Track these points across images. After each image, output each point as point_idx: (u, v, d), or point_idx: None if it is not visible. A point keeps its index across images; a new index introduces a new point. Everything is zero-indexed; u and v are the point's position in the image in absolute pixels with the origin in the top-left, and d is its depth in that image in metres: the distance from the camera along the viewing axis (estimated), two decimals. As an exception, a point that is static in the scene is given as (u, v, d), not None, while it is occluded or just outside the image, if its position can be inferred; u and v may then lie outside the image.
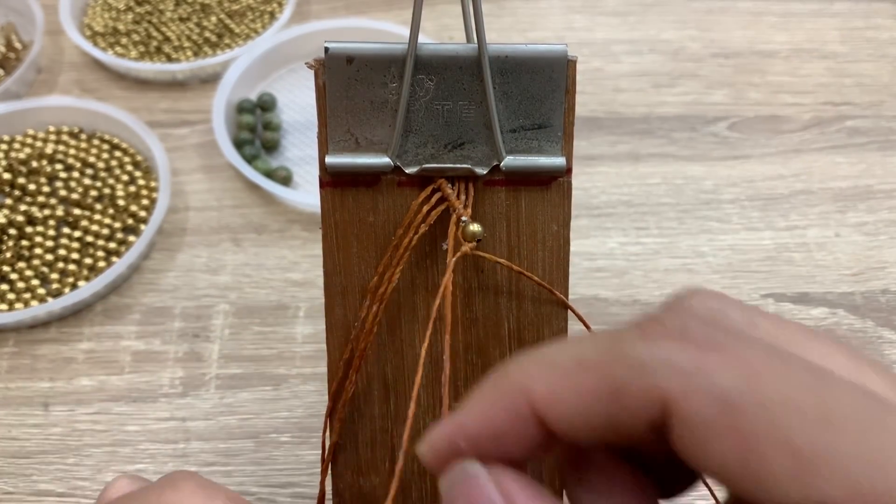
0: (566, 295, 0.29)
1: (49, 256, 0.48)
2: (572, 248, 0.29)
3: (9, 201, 0.51)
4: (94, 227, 0.50)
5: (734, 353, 0.17)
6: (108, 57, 0.59)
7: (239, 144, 0.54)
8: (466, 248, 0.26)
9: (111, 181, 0.52)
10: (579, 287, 0.48)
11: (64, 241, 0.49)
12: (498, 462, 0.19)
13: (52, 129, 0.55)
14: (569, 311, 0.30)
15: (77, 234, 0.49)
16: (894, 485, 0.14)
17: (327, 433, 0.30)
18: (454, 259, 0.26)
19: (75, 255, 0.49)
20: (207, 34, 0.61)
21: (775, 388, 0.16)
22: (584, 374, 0.18)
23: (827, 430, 0.15)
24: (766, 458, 0.15)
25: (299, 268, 0.49)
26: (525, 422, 0.19)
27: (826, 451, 0.15)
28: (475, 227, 0.27)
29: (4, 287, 0.47)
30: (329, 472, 0.31)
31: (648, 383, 0.17)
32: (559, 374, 0.18)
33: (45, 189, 0.52)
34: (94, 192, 0.52)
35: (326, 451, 0.30)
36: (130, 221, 0.50)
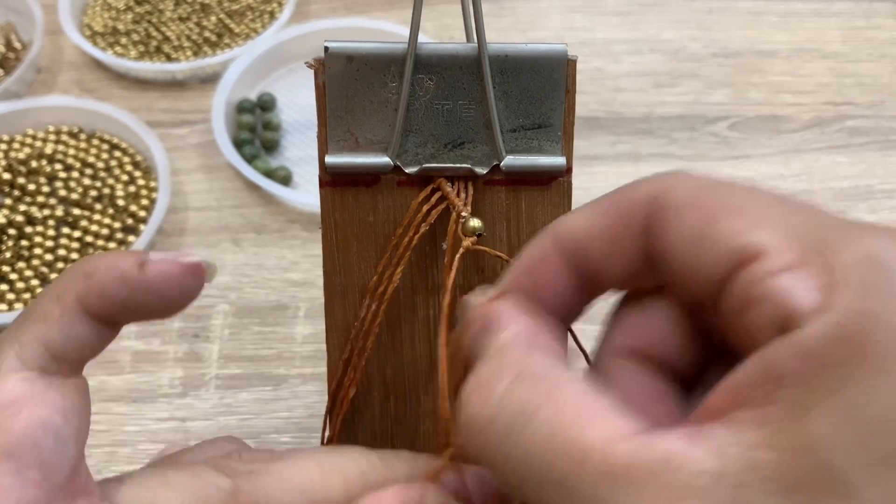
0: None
1: (49, 256, 0.48)
2: (572, 248, 0.29)
3: (8, 201, 0.51)
4: (94, 227, 0.50)
5: (706, 176, 0.21)
6: (107, 57, 0.59)
7: (239, 144, 0.54)
8: (467, 242, 0.26)
9: (111, 181, 0.52)
10: (579, 287, 0.48)
11: (64, 241, 0.49)
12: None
13: (51, 128, 0.55)
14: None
15: (77, 234, 0.49)
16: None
17: (326, 432, 0.30)
18: (457, 256, 0.26)
19: (75, 255, 0.48)
20: (207, 34, 0.61)
21: (732, 185, 0.20)
22: (611, 209, 0.22)
23: (772, 204, 0.19)
24: (720, 221, 0.19)
25: (299, 268, 0.49)
26: (566, 268, 0.22)
27: (767, 212, 0.19)
28: (475, 223, 0.27)
29: (4, 287, 0.47)
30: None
31: (641, 192, 0.21)
32: (592, 215, 0.22)
33: (45, 189, 0.52)
34: (93, 192, 0.51)
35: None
36: (130, 221, 0.50)
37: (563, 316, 0.23)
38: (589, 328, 0.25)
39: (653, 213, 0.20)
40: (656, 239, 0.20)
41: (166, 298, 0.24)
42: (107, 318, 0.24)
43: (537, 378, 0.19)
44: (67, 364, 0.24)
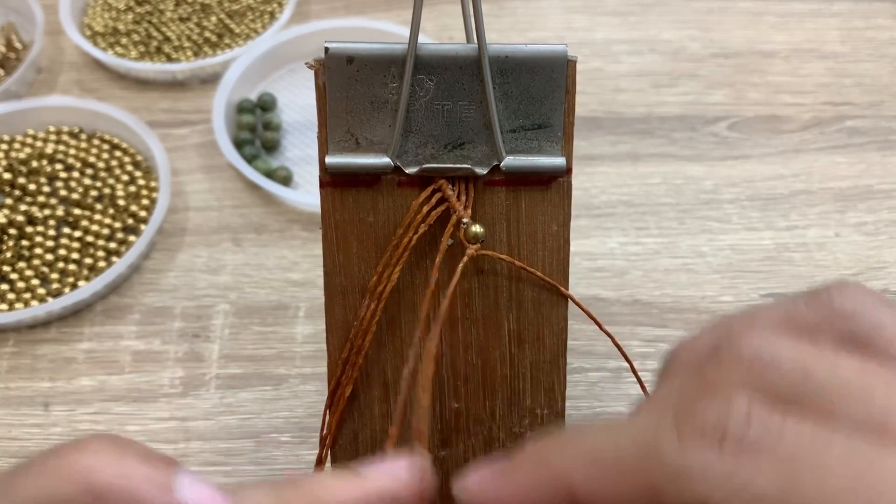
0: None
1: (49, 256, 0.48)
2: (572, 248, 0.29)
3: (9, 201, 0.51)
4: (94, 227, 0.50)
5: (772, 457, 0.17)
6: (108, 57, 0.59)
7: (239, 144, 0.54)
8: (472, 250, 0.26)
9: (111, 181, 0.52)
10: (579, 287, 0.48)
11: (64, 241, 0.49)
12: None
13: (52, 129, 0.55)
14: (568, 312, 0.30)
15: (77, 234, 0.49)
16: None
17: (324, 430, 0.30)
18: (460, 265, 0.26)
19: (75, 255, 0.49)
20: (207, 34, 0.61)
21: (811, 492, 0.16)
22: (624, 474, 0.18)
23: None
24: None
25: (299, 268, 0.49)
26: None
27: None
28: (477, 229, 0.27)
29: (4, 287, 0.47)
30: (329, 470, 0.31)
31: (686, 491, 0.17)
32: (599, 469, 0.19)
33: (45, 189, 0.52)
34: (94, 192, 0.52)
35: (322, 447, 0.30)
36: (130, 221, 0.50)
37: None
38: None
39: None
40: None
41: None
42: None
43: None
44: None
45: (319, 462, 0.31)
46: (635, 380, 0.34)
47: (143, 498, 0.19)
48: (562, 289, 0.29)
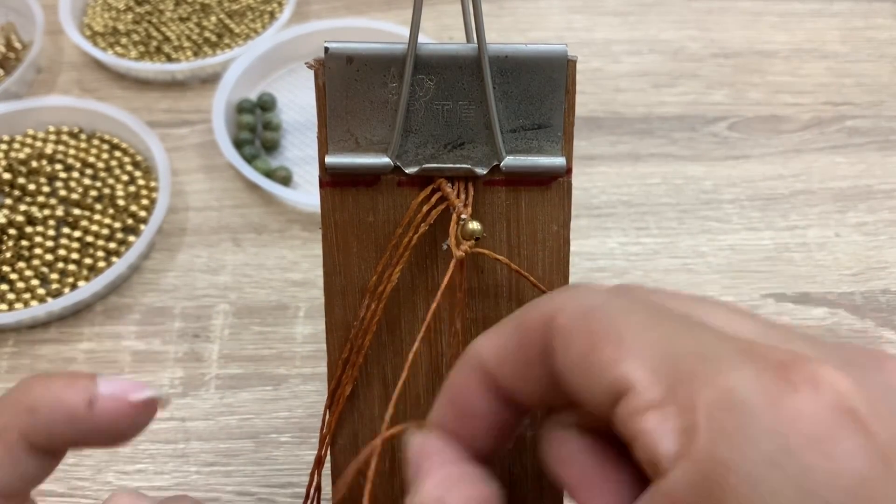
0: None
1: (49, 256, 0.48)
2: (572, 248, 0.29)
3: (9, 201, 0.51)
4: (94, 227, 0.50)
5: (605, 289, 0.21)
6: (107, 57, 0.59)
7: (239, 144, 0.54)
8: (466, 246, 0.26)
9: (111, 181, 0.52)
10: (579, 287, 0.48)
11: (64, 241, 0.49)
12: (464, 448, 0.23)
13: (51, 129, 0.55)
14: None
15: (77, 234, 0.49)
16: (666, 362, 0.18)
17: (324, 430, 0.30)
18: (452, 262, 0.26)
19: (75, 255, 0.49)
20: (207, 34, 0.61)
21: (621, 301, 0.20)
22: (515, 331, 0.22)
23: (652, 328, 0.19)
24: (597, 348, 0.19)
25: (299, 268, 0.49)
26: (485, 392, 0.22)
27: (643, 341, 0.18)
28: (474, 225, 0.27)
29: (4, 287, 0.47)
30: (329, 471, 0.31)
31: (541, 311, 0.21)
32: (501, 337, 0.22)
33: (45, 189, 0.52)
34: (93, 192, 0.52)
35: (322, 446, 0.30)
36: (130, 221, 0.50)
37: (498, 437, 0.23)
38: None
39: (547, 336, 0.20)
40: (552, 363, 0.20)
41: (114, 433, 0.24)
42: (51, 452, 0.24)
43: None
44: (15, 499, 0.24)
45: (319, 462, 0.31)
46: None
47: (68, 399, 0.23)
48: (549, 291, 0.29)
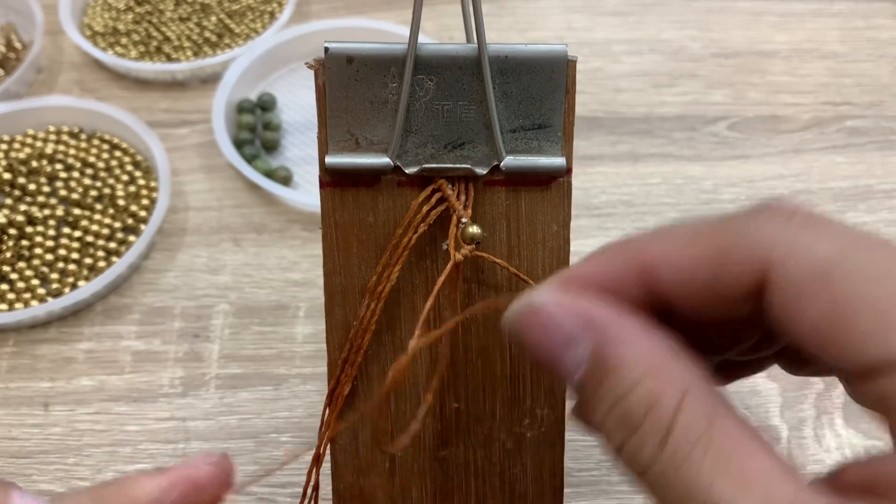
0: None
1: (49, 256, 0.48)
2: (572, 248, 0.29)
3: (9, 201, 0.51)
4: (94, 227, 0.50)
5: (831, 230, 0.19)
6: (108, 57, 0.59)
7: (239, 144, 0.54)
8: (466, 250, 0.26)
9: (111, 181, 0.52)
10: (579, 287, 0.48)
11: (64, 241, 0.49)
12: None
13: (52, 129, 0.55)
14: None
15: (77, 234, 0.49)
16: None
17: (323, 429, 0.30)
18: (449, 265, 0.26)
19: (75, 255, 0.49)
20: (207, 34, 0.61)
21: (865, 258, 0.18)
22: (696, 241, 0.20)
23: None
24: (852, 317, 0.17)
25: (299, 268, 0.49)
26: (635, 277, 0.20)
27: None
28: (474, 230, 0.27)
29: (4, 287, 0.47)
30: (328, 470, 0.31)
31: (753, 250, 0.19)
32: (674, 240, 0.20)
33: (45, 189, 0.52)
34: (94, 192, 0.52)
35: (320, 444, 0.30)
36: (130, 221, 0.50)
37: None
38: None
39: (762, 281, 0.18)
40: (770, 312, 0.18)
41: None
42: None
43: (703, 399, 0.18)
44: None
45: (317, 460, 0.31)
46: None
47: None
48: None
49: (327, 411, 0.30)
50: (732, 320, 0.20)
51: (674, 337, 0.19)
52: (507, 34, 0.63)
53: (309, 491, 0.31)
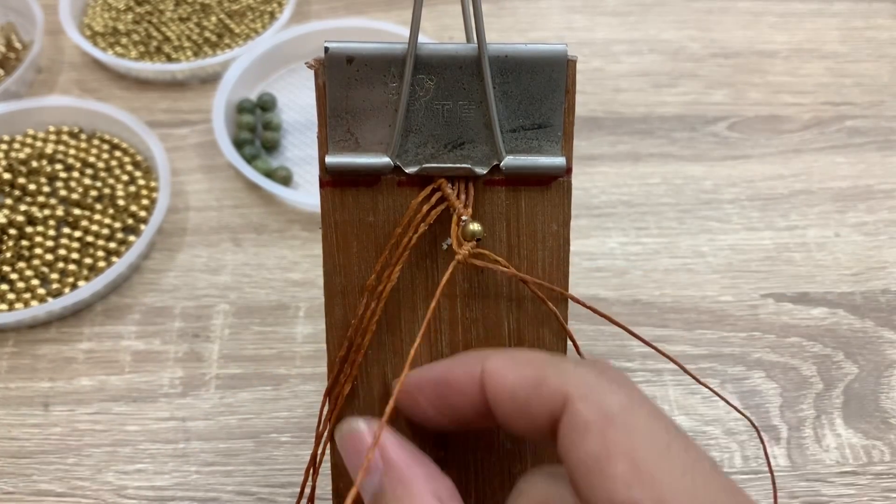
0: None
1: (49, 256, 0.48)
2: (572, 248, 0.29)
3: (9, 201, 0.51)
4: (94, 227, 0.50)
5: (626, 389, 0.22)
6: (108, 57, 0.59)
7: (239, 144, 0.54)
8: (468, 247, 0.26)
9: (111, 181, 0.52)
10: (579, 287, 0.48)
11: (64, 241, 0.49)
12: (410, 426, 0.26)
13: (52, 129, 0.55)
14: (568, 312, 0.30)
15: (77, 234, 0.49)
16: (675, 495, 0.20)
17: (321, 428, 0.30)
18: (451, 265, 0.26)
19: (75, 255, 0.49)
20: (207, 34, 0.61)
21: (639, 421, 0.21)
22: (524, 366, 0.24)
23: (662, 459, 0.20)
24: (612, 460, 0.20)
25: (299, 268, 0.49)
26: (472, 384, 0.25)
27: (654, 471, 0.20)
28: (475, 227, 0.27)
29: (4, 287, 0.47)
30: (329, 471, 0.31)
31: (561, 382, 0.22)
32: (509, 360, 0.25)
33: (45, 189, 0.52)
34: (94, 192, 0.52)
35: (318, 443, 0.30)
36: (130, 221, 0.50)
37: (462, 426, 0.26)
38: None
39: (557, 411, 0.22)
40: (558, 435, 0.22)
41: None
42: None
43: None
44: None
45: (314, 459, 0.31)
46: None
47: None
48: (553, 287, 0.29)
49: (325, 411, 0.30)
50: (522, 427, 0.24)
51: (450, 486, 0.24)
52: (508, 34, 0.63)
53: (306, 490, 0.31)
